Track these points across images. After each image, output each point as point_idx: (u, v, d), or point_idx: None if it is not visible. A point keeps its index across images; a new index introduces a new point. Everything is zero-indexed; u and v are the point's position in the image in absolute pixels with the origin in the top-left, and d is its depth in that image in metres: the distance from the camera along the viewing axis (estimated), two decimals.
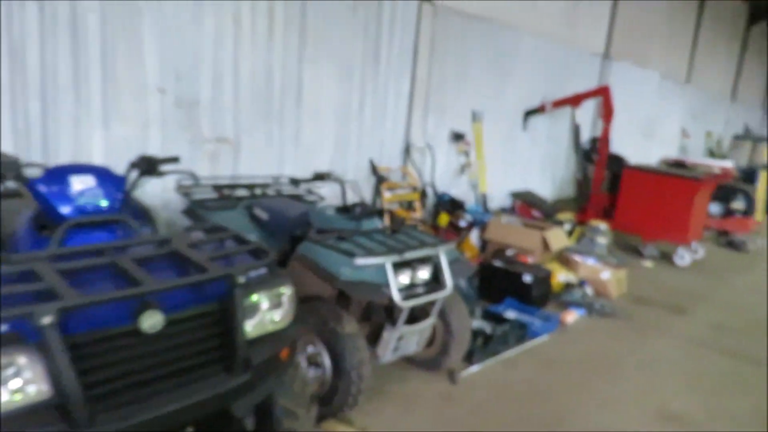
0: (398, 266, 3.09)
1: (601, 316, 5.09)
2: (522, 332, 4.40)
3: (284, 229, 3.75)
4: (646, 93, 12.87)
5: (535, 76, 8.98)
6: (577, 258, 5.84)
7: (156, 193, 4.31)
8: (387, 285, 2.99)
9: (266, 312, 2.06)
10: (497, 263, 5.23)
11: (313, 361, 3.07)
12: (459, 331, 3.64)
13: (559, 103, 8.62)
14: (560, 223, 7.38)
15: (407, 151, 6.76)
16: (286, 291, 2.15)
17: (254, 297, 2.00)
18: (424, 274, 3.29)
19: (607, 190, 8.48)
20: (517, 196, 8.90)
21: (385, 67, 6.34)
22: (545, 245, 5.98)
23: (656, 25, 12.77)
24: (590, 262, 5.80)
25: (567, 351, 4.32)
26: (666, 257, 7.42)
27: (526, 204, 8.73)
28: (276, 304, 2.10)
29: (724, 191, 9.14)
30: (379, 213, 3.57)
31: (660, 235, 7.26)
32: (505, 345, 4.19)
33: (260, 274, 2.07)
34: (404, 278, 3.16)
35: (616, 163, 10.60)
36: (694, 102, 15.93)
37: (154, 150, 4.38)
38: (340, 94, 5.95)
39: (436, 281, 3.34)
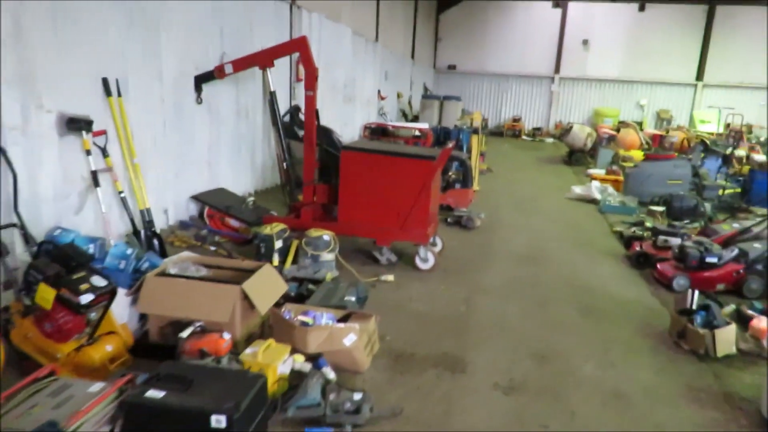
0: None
1: (356, 429, 2.93)
2: None
3: None
4: (342, 51, 11.38)
5: (204, 26, 6.23)
6: (303, 318, 3.55)
7: None
8: None
9: None
10: (155, 394, 2.53)
11: None
12: None
13: (242, 64, 6.10)
14: (269, 243, 5.02)
15: None
16: None
17: None
18: None
19: (319, 177, 6.43)
20: (202, 200, 6.19)
21: None
22: (249, 306, 3.51)
23: None
24: (324, 321, 3.57)
25: None
26: (404, 258, 5.82)
27: (217, 211, 6.12)
28: None
29: None
30: None
31: (397, 236, 5.58)
32: None
33: None
34: None
35: (325, 137, 8.76)
36: (385, 62, 15.39)
37: None
38: None
39: None
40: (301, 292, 4.56)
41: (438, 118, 15.96)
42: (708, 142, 11.19)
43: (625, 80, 23.74)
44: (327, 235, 5.18)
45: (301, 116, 9.09)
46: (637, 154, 13.53)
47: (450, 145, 6.09)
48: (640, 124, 20.91)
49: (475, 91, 25.15)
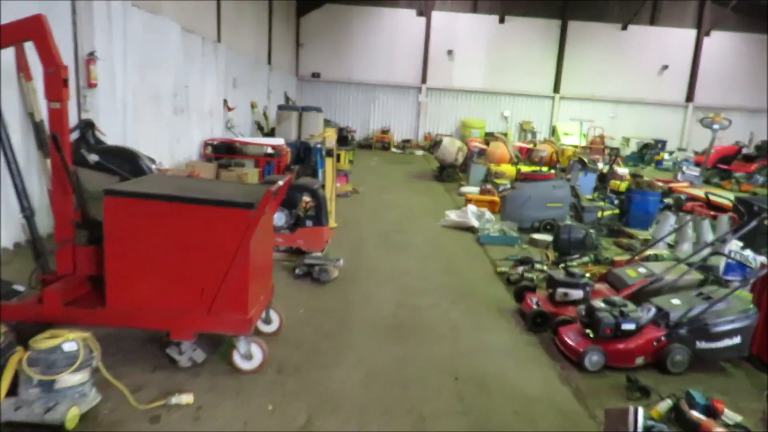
0: None
1: None
2: None
3: None
4: (167, 51, 9.12)
5: None
6: None
7: None
8: None
9: None
10: None
11: None
12: None
13: None
14: None
15: None
16: None
17: None
18: None
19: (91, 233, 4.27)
20: None
21: None
22: None
23: None
24: None
25: None
26: (221, 349, 3.94)
27: None
28: None
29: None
30: None
31: (203, 324, 3.67)
32: None
33: None
34: None
35: (128, 164, 6.68)
36: (232, 67, 13.23)
37: None
38: None
39: None
40: None
41: (297, 131, 14.15)
42: (586, 159, 10.63)
43: (489, 91, 23.77)
44: (71, 342, 3.12)
45: (98, 134, 6.84)
46: (509, 169, 12.82)
47: (287, 177, 4.32)
48: (505, 135, 20.82)
49: (341, 101, 23.74)
